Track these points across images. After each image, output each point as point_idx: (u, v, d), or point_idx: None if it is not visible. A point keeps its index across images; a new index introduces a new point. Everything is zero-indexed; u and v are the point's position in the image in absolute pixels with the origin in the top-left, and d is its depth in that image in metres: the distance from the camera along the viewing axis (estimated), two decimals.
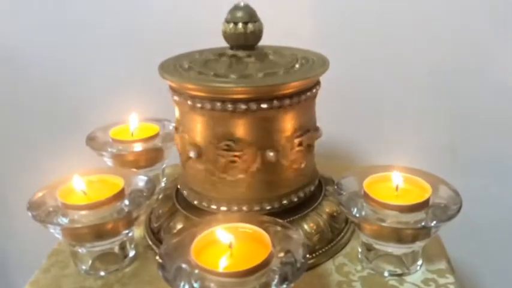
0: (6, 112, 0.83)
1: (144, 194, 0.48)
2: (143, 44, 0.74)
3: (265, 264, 0.36)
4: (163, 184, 0.63)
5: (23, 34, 0.77)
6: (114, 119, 0.63)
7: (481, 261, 0.80)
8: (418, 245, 0.46)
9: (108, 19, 0.74)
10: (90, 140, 0.60)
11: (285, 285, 0.35)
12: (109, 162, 0.60)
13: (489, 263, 0.80)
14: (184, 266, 0.36)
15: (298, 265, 0.36)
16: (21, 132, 0.84)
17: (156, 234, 0.52)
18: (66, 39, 0.76)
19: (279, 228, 0.40)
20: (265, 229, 0.39)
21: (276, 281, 0.35)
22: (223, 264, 0.37)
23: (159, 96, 0.52)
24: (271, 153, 0.45)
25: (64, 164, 0.59)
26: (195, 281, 0.35)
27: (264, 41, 0.50)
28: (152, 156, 0.61)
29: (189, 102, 0.46)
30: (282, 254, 0.37)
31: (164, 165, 0.64)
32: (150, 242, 0.51)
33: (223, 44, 0.50)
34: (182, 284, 0.35)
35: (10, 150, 0.86)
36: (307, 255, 0.37)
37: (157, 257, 0.37)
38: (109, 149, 0.58)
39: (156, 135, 0.61)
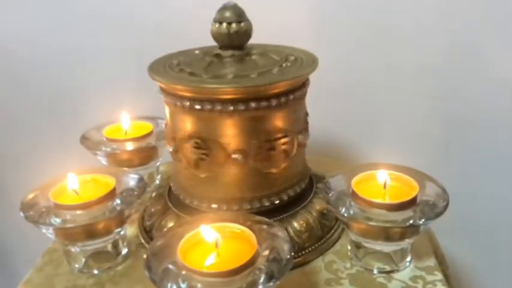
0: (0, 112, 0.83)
1: (136, 192, 0.48)
2: (136, 43, 0.75)
3: (251, 263, 0.36)
4: (157, 182, 0.64)
5: (16, 35, 0.77)
6: (108, 118, 0.64)
7: (476, 256, 0.80)
8: (406, 242, 0.46)
9: (101, 20, 0.74)
10: (85, 139, 0.60)
11: (271, 283, 0.35)
12: (103, 161, 0.60)
13: (484, 258, 0.80)
14: (171, 266, 0.37)
15: (284, 262, 0.37)
16: (17, 132, 0.85)
17: (148, 233, 0.52)
18: (60, 41, 0.76)
19: (264, 226, 0.41)
20: (250, 227, 0.40)
21: (262, 279, 0.36)
22: (209, 264, 0.37)
23: (153, 94, 0.52)
24: (239, 156, 0.45)
25: (59, 162, 0.59)
26: (182, 282, 0.35)
27: (255, 39, 0.50)
28: (146, 155, 0.61)
29: (166, 99, 0.47)
30: (267, 252, 0.38)
31: (159, 163, 0.64)
32: (143, 240, 0.52)
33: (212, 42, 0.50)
34: (169, 285, 0.35)
35: (5, 149, 0.87)
36: (293, 252, 0.38)
37: (144, 256, 0.38)
38: (103, 148, 0.59)
39: (149, 134, 0.62)
